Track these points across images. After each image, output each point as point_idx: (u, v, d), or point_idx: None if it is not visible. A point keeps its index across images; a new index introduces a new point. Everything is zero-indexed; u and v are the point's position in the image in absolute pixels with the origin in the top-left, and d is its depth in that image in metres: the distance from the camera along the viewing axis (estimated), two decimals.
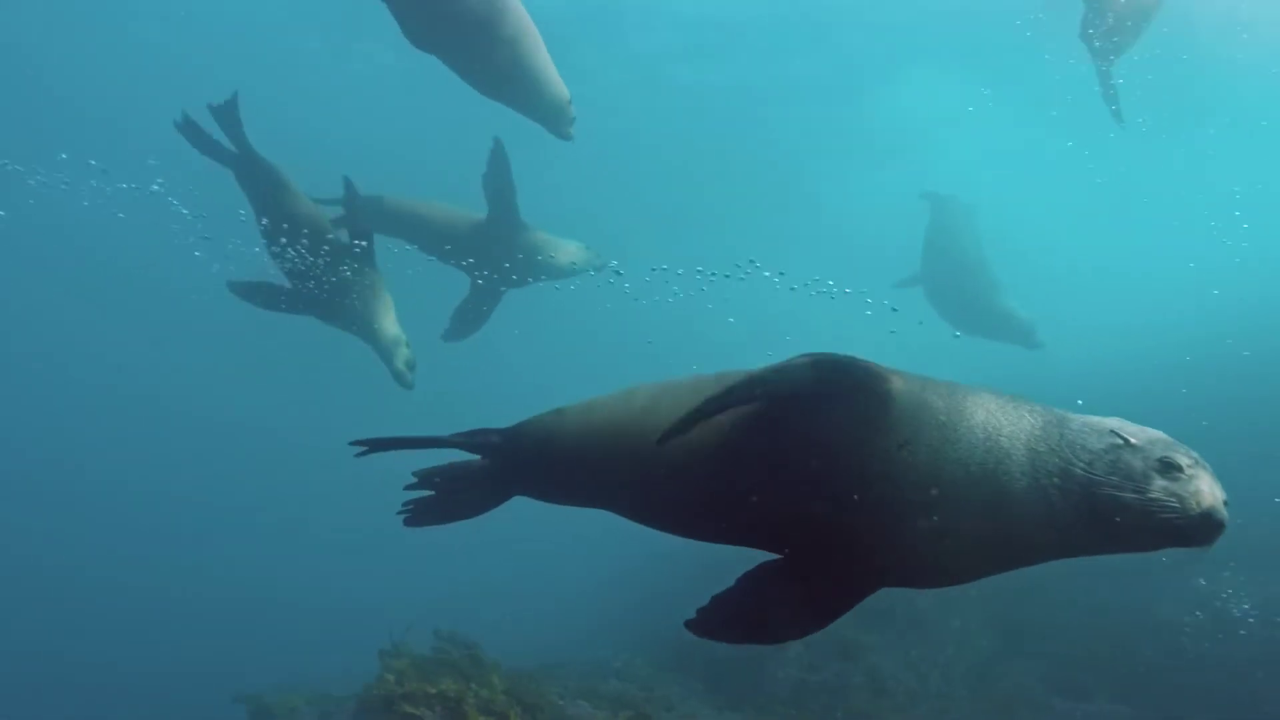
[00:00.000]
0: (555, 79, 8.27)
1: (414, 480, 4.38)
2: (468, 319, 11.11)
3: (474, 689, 7.40)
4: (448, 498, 4.41)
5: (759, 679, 11.37)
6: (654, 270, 11.92)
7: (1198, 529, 2.68)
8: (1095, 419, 2.98)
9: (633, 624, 17.00)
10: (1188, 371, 18.21)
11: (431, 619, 10.15)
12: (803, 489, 3.11)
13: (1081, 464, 2.81)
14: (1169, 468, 2.76)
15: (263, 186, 9.06)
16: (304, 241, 8.79)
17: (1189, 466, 2.74)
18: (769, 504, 3.21)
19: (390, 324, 9.08)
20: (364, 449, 4.35)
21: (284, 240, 8.76)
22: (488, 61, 7.87)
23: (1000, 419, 2.98)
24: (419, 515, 4.42)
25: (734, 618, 3.28)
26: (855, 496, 3.01)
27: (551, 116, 8.46)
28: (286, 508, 39.39)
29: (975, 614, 12.39)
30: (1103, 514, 2.77)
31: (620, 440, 3.67)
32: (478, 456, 4.37)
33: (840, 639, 11.77)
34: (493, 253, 10.32)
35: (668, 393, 3.64)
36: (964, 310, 17.58)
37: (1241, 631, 10.34)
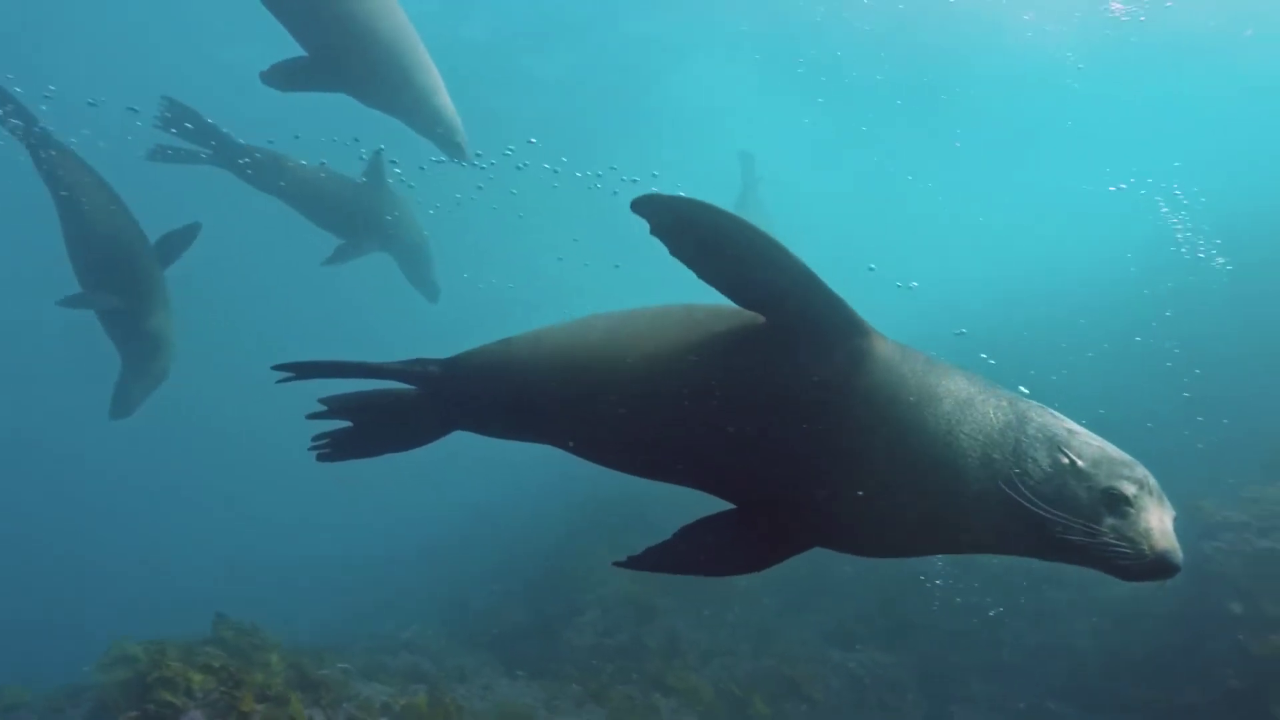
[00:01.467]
0: (446, 105, 8.58)
1: (322, 409, 3.96)
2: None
3: (249, 672, 6.70)
4: (372, 430, 4.05)
5: (555, 646, 11.33)
6: None
7: (1151, 573, 2.55)
8: (1051, 421, 2.83)
9: (422, 595, 16.47)
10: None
11: (212, 599, 9.24)
12: (762, 449, 2.99)
13: (1030, 483, 2.67)
14: (1116, 501, 2.63)
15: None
16: None
17: (1135, 496, 2.61)
18: (722, 456, 3.09)
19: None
20: (287, 374, 3.91)
21: None
22: (379, 81, 8.15)
23: (966, 413, 2.83)
24: (337, 449, 4.02)
25: (671, 560, 3.23)
26: (813, 465, 2.91)
27: (443, 139, 8.83)
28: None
29: (760, 575, 13.04)
30: (1051, 539, 2.64)
31: (574, 374, 3.42)
32: (411, 388, 4.02)
33: (637, 602, 11.97)
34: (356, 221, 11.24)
35: (627, 324, 3.43)
36: None
37: (976, 584, 11.58)
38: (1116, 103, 31.04)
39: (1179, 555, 2.52)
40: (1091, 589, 11.52)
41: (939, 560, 12.67)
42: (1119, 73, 29.13)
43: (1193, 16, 25.51)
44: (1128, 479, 2.63)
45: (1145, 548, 2.53)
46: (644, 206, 2.86)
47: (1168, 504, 2.63)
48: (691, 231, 2.89)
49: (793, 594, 12.42)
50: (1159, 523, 2.57)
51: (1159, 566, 2.52)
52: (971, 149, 33.23)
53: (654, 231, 2.92)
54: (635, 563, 3.25)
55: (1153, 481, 2.65)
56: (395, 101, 8.29)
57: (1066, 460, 2.68)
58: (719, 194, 22.62)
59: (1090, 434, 2.83)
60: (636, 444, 3.37)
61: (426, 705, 7.23)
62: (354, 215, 11.20)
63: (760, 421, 2.98)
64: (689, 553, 3.22)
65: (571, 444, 3.61)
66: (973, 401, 2.85)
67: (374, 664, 10.39)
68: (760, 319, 3.02)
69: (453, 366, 3.97)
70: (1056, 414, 2.89)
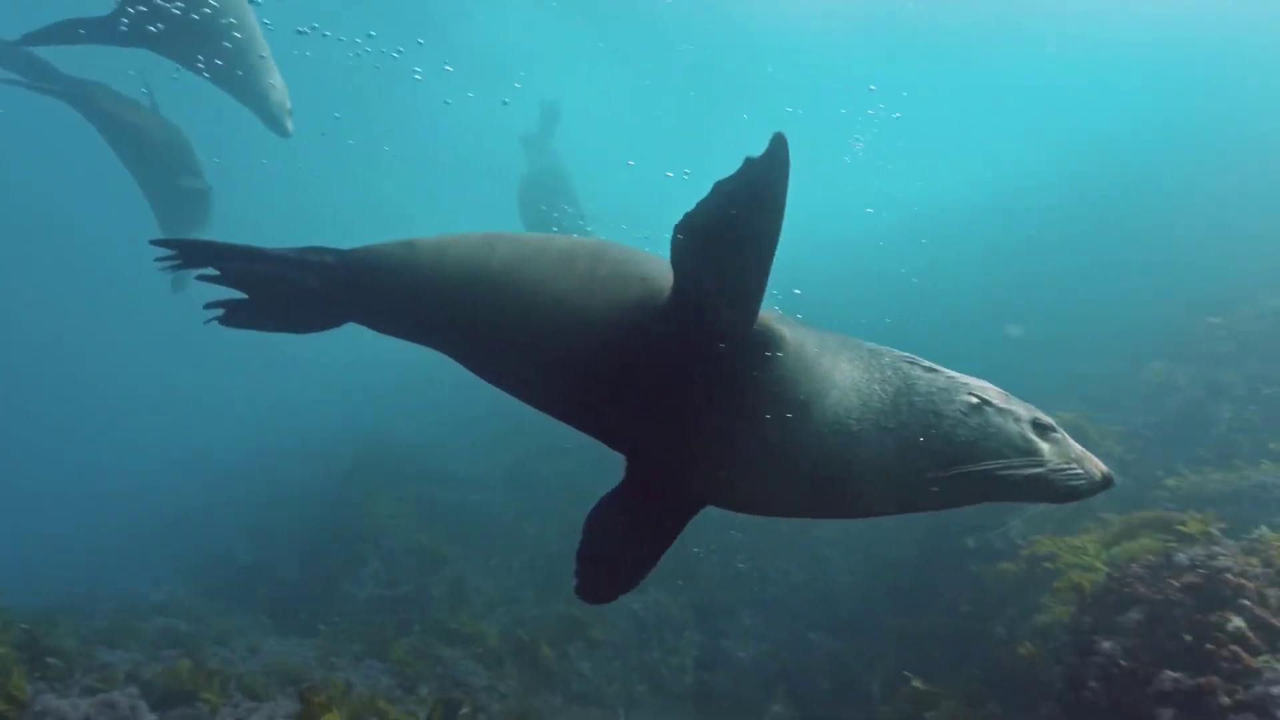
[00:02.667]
0: (275, 80, 9.10)
1: (214, 273, 3.90)
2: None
3: None
4: (266, 305, 4.03)
5: (331, 600, 10.76)
6: None
7: (1102, 488, 2.71)
8: (937, 378, 2.87)
9: (175, 550, 15.07)
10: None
11: None
12: (656, 413, 3.00)
13: (949, 442, 2.73)
14: (1044, 428, 2.76)
15: None
16: None
17: (1055, 422, 2.77)
18: (614, 410, 3.12)
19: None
20: (171, 254, 3.84)
21: None
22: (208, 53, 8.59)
23: (852, 400, 2.84)
24: (232, 317, 4.01)
25: (604, 569, 3.26)
26: (702, 437, 2.92)
27: (268, 111, 9.25)
28: None
29: (548, 519, 13.11)
30: (982, 487, 2.72)
31: (473, 296, 3.40)
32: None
33: (423, 551, 11.61)
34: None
35: (538, 257, 3.32)
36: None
37: (750, 526, 12.35)
38: (894, 86, 33.54)
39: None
40: (851, 528, 12.60)
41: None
42: (894, 59, 31.69)
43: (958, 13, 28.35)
44: (1041, 412, 2.80)
45: (1091, 467, 2.73)
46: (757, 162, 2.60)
47: None
48: (745, 206, 2.66)
49: (577, 538, 12.56)
50: (1079, 443, 2.77)
51: (1108, 481, 2.74)
52: (760, 122, 34.77)
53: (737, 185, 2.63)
54: (589, 590, 3.30)
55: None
56: (228, 74, 8.63)
57: (976, 400, 2.80)
58: (509, 135, 22.16)
59: (973, 378, 2.95)
60: (528, 379, 3.41)
61: (188, 671, 6.55)
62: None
63: (659, 384, 2.97)
64: (608, 548, 3.26)
65: (464, 361, 3.65)
66: (857, 385, 2.88)
67: (121, 629, 9.34)
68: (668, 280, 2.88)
69: (349, 260, 3.93)
70: (933, 365, 2.99)
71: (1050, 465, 2.70)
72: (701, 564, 11.98)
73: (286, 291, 4.05)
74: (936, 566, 9.39)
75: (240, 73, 8.74)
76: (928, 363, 3.01)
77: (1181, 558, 4.63)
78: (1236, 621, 4.03)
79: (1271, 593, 4.20)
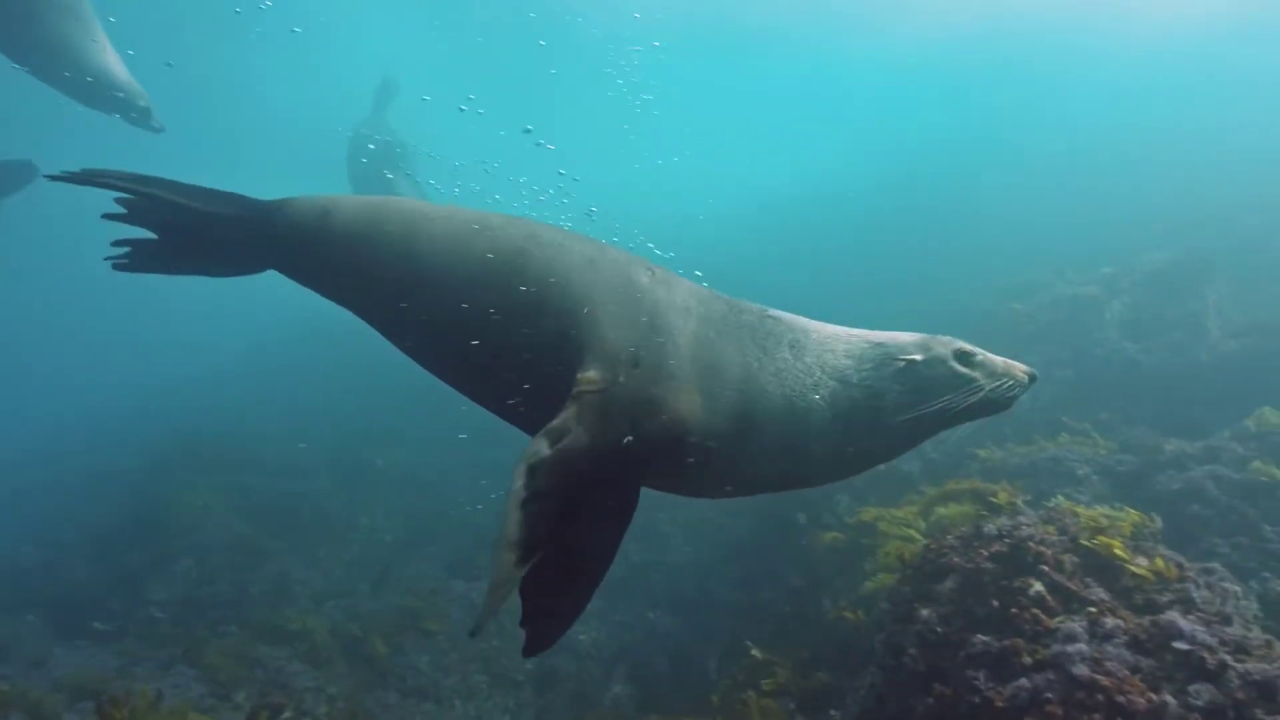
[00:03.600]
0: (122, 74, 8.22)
1: (118, 210, 3.82)
2: None
3: None
4: (179, 247, 3.97)
5: (130, 604, 9.80)
6: None
7: (1027, 387, 3.26)
8: (866, 363, 3.29)
9: None
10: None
11: None
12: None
13: (901, 410, 3.19)
14: (967, 356, 3.25)
15: None
16: None
17: (970, 346, 3.27)
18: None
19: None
20: (69, 178, 3.73)
21: None
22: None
23: (796, 425, 3.21)
24: (138, 260, 3.93)
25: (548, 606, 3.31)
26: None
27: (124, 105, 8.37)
28: None
29: (382, 510, 12.57)
30: (941, 422, 3.20)
31: (380, 270, 3.62)
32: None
33: (241, 546, 10.79)
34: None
35: (437, 242, 3.54)
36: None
37: None
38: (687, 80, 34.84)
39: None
40: (687, 509, 12.80)
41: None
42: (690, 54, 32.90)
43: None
44: (957, 340, 3.31)
45: (1018, 374, 3.27)
46: None
47: None
48: None
49: (414, 529, 12.12)
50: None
51: (1033, 378, 3.31)
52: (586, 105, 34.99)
53: None
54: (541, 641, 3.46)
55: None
56: (53, 67, 7.75)
57: (903, 363, 3.24)
58: (345, 115, 21.01)
59: (889, 335, 3.41)
60: (447, 355, 3.58)
61: None
62: None
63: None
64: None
65: (378, 327, 3.80)
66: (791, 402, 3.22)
67: None
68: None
69: (274, 213, 3.94)
70: (848, 348, 3.37)
71: (988, 387, 3.18)
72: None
73: (206, 229, 3.95)
74: (770, 542, 9.68)
75: (77, 70, 7.85)
76: (843, 347, 3.38)
77: (990, 528, 4.92)
78: (1037, 586, 4.32)
79: (1066, 558, 4.53)
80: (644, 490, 3.55)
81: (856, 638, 6.97)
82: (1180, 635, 3.81)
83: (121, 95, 8.38)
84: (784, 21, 33.02)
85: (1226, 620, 3.97)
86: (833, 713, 6.39)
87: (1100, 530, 4.75)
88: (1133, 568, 4.53)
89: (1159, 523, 5.38)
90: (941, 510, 7.45)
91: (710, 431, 3.13)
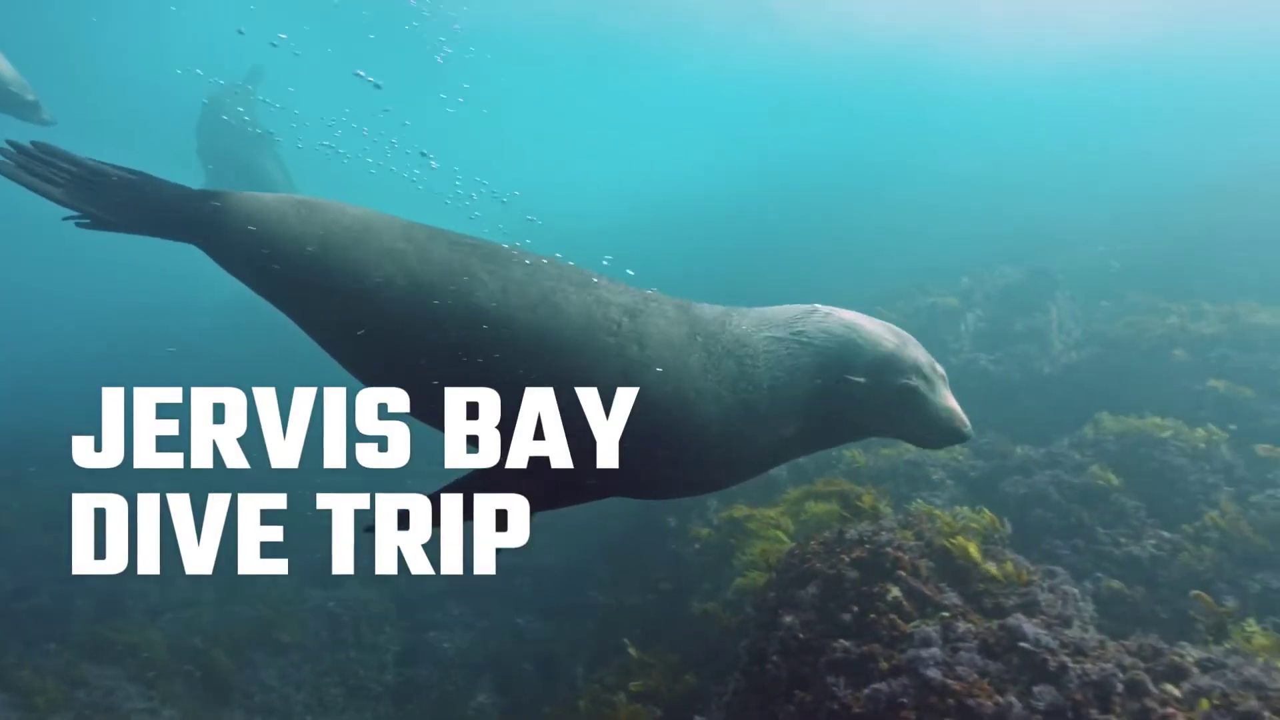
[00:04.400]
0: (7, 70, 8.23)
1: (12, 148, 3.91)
2: None
3: None
4: (98, 195, 4.02)
5: None
6: None
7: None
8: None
9: None
10: None
11: None
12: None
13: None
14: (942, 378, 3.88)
15: None
16: None
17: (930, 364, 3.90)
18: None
19: None
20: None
21: None
22: None
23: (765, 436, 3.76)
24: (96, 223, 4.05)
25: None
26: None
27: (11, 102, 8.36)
28: None
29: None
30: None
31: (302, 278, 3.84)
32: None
33: (62, 554, 9.85)
34: None
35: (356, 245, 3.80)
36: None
37: None
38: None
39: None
40: (556, 512, 12.58)
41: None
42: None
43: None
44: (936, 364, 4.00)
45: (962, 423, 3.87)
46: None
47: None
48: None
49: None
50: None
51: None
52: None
53: None
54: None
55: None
56: None
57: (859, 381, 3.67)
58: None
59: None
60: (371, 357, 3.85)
61: None
62: None
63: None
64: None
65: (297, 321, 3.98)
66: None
67: None
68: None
69: (221, 214, 3.96)
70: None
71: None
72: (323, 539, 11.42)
73: (122, 192, 4.01)
74: (640, 545, 9.63)
75: None
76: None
77: (852, 533, 5.00)
78: (895, 592, 4.41)
79: (923, 563, 4.65)
80: None
81: (724, 641, 6.98)
82: (1025, 638, 3.95)
83: (12, 90, 8.36)
84: (648, 29, 33.63)
85: (1067, 622, 4.15)
86: (697, 718, 6.37)
87: (955, 535, 4.91)
88: (985, 569, 4.70)
89: (1008, 527, 5.62)
90: (811, 507, 7.57)
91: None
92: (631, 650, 7.76)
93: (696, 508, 9.15)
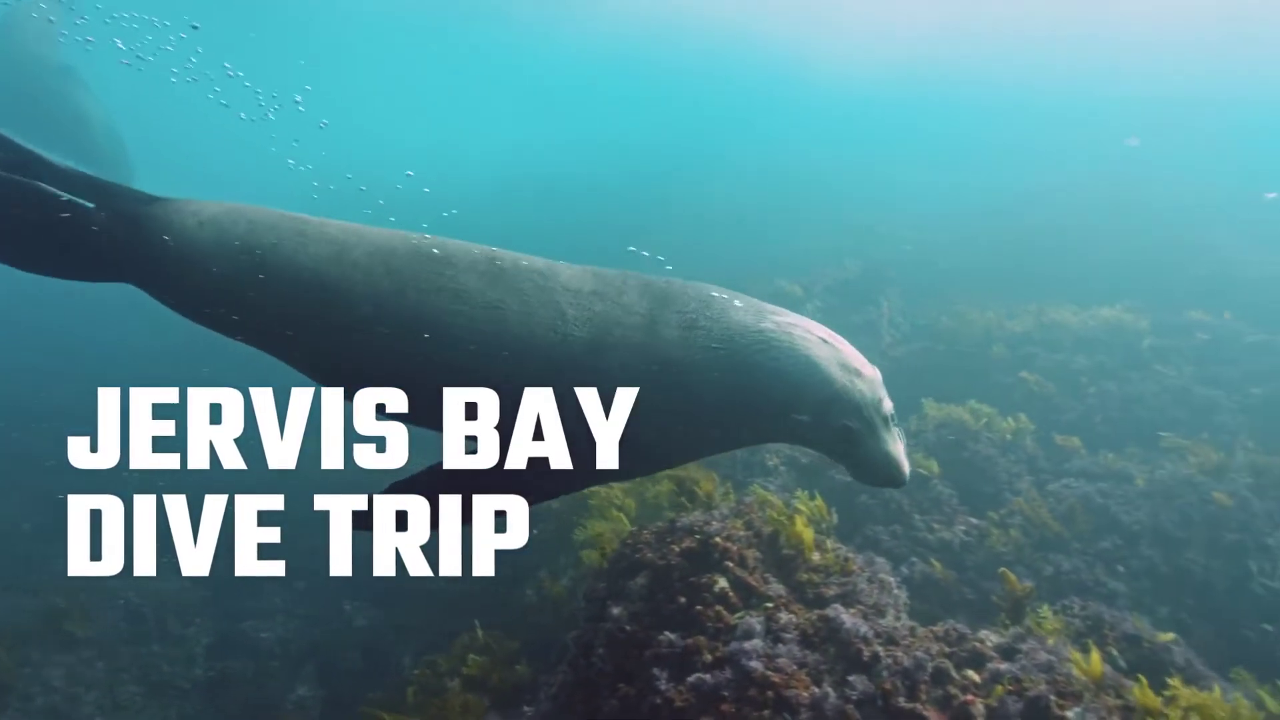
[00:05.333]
0: None
1: None
2: None
3: None
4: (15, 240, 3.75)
5: None
6: None
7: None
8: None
9: None
10: None
11: None
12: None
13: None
14: (890, 420, 3.91)
15: None
16: None
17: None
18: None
19: None
20: None
21: None
22: None
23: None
24: None
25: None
26: None
27: None
28: None
29: (19, 494, 10.62)
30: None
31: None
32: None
33: None
34: None
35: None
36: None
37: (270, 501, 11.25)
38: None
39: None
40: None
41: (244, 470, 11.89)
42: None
43: None
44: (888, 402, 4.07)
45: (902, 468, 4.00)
46: None
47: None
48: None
49: (61, 517, 10.31)
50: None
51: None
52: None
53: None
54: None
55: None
56: None
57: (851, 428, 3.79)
58: None
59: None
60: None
61: None
62: None
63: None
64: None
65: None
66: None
67: None
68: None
69: (151, 219, 3.79)
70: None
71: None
72: (224, 537, 10.62)
73: (48, 224, 3.69)
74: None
75: None
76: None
77: (684, 522, 4.98)
78: (721, 583, 4.41)
79: (750, 553, 4.68)
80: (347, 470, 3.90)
81: (557, 628, 6.87)
82: (842, 628, 4.04)
83: None
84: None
85: (881, 611, 4.28)
86: (526, 709, 6.23)
87: (784, 524, 4.97)
88: (810, 558, 4.79)
89: (835, 517, 5.78)
90: (652, 489, 7.53)
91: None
92: (477, 633, 7.54)
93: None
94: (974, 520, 7.15)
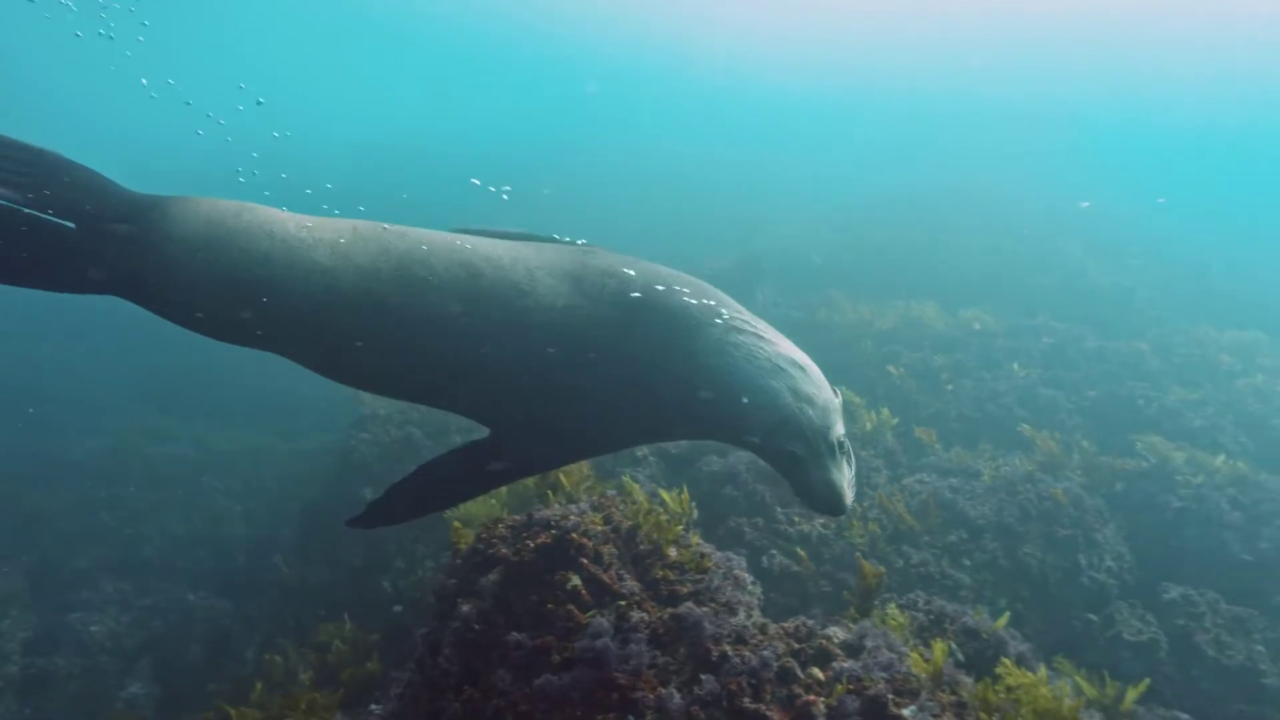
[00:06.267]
0: None
1: None
2: None
3: None
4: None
5: None
6: None
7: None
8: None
9: None
10: None
11: None
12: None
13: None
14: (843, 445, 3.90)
15: None
16: None
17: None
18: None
19: None
20: None
21: None
22: None
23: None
24: None
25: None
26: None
27: None
28: None
29: None
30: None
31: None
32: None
33: None
34: None
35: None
36: None
37: (131, 486, 10.48)
38: None
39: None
40: (248, 476, 11.43)
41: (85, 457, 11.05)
42: None
43: None
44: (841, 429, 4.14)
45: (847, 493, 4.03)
46: None
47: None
48: None
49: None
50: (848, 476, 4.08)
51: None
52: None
53: None
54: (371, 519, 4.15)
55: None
56: None
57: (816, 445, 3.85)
58: None
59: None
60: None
61: None
62: None
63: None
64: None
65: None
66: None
67: None
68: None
69: (155, 214, 3.70)
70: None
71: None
72: (51, 522, 9.78)
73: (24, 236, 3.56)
74: (335, 516, 8.91)
75: None
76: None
77: (540, 517, 4.83)
78: (575, 580, 4.29)
79: (606, 549, 4.58)
80: (200, 455, 3.42)
81: (410, 624, 6.63)
82: (692, 627, 4.00)
83: None
84: None
85: (733, 610, 4.27)
86: (374, 707, 5.97)
87: (643, 520, 4.90)
88: (668, 554, 4.74)
89: (695, 512, 5.76)
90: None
91: None
92: (334, 626, 7.18)
93: (394, 475, 8.61)
94: None
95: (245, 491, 11.35)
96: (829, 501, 3.79)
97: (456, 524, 5.90)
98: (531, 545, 4.57)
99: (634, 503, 5.28)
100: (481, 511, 6.85)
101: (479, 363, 3.77)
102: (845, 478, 3.86)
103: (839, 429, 3.91)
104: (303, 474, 10.92)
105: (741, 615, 4.28)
